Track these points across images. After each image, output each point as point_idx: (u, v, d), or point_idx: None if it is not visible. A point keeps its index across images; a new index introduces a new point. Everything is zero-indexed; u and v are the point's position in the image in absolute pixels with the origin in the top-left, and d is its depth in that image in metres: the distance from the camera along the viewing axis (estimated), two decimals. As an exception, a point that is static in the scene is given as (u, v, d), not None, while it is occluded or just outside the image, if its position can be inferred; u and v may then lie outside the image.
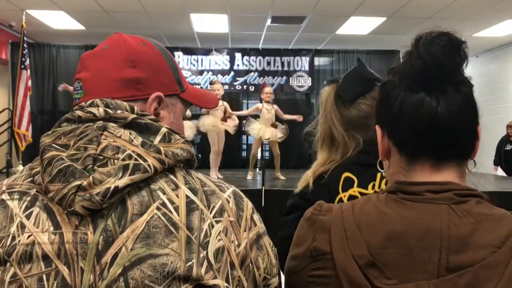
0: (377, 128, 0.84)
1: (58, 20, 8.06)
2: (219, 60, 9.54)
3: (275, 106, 7.08)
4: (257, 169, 7.46)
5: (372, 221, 0.74)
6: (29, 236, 0.66)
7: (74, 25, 8.33)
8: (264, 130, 6.82)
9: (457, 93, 0.75)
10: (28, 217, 0.67)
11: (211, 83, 7.47)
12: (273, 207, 5.11)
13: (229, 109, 7.01)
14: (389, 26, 8.18)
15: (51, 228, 0.66)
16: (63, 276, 0.64)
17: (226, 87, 9.22)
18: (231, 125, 6.89)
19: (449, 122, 0.74)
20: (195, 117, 6.95)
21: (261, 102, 7.10)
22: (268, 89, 7.06)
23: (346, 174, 1.33)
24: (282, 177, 7.05)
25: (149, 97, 0.82)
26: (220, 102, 6.73)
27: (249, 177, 7.17)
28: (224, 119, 6.80)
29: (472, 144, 0.78)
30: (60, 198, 0.67)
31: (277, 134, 6.89)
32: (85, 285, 0.64)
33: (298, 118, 7.10)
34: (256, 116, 7.10)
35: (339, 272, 0.72)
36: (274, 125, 6.95)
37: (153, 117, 0.78)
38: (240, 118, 7.46)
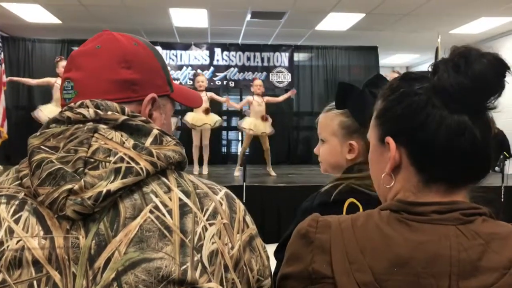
0: (390, 140, 0.76)
1: (34, 14, 7.86)
2: (199, 55, 9.47)
3: (266, 98, 7.10)
4: (238, 165, 7.43)
5: (376, 245, 0.70)
6: (18, 241, 0.64)
7: (50, 19, 8.15)
8: (255, 124, 6.85)
9: (488, 118, 0.71)
10: (16, 221, 0.66)
11: (195, 75, 7.50)
12: (255, 203, 5.12)
13: (215, 97, 7.11)
14: (368, 22, 8.23)
15: (41, 233, 0.65)
16: (54, 282, 0.63)
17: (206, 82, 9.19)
18: (214, 120, 6.95)
19: (483, 149, 0.70)
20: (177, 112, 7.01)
21: (252, 95, 7.13)
22: (258, 82, 7.14)
23: (351, 200, 1.21)
24: (274, 173, 7.08)
25: (144, 99, 0.81)
26: (204, 94, 6.82)
27: (237, 173, 7.08)
28: (207, 111, 6.82)
29: (491, 165, 0.74)
30: (51, 202, 0.65)
31: (267, 127, 6.94)
32: None
33: (292, 92, 7.44)
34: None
35: None
36: (264, 118, 6.97)
37: (144, 118, 0.77)
38: (228, 113, 7.54)
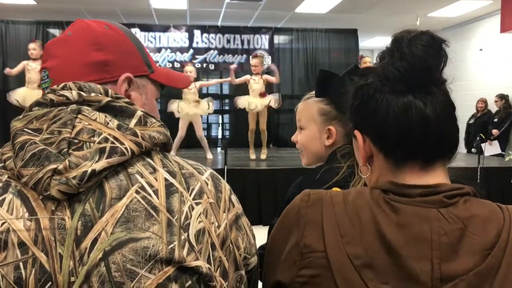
0: (357, 133, 0.80)
1: (7, -6, 7.68)
2: (178, 38, 9.37)
3: (265, 76, 6.85)
4: (219, 148, 7.39)
5: (363, 223, 0.71)
6: (2, 224, 0.64)
7: (24, -1, 7.96)
8: (249, 102, 6.68)
9: (440, 93, 0.74)
10: (0, 204, 0.65)
11: (183, 66, 7.29)
12: (236, 186, 5.13)
13: (204, 84, 6.93)
14: (348, 4, 8.24)
15: (26, 215, 0.65)
16: (41, 263, 0.63)
17: (185, 65, 9.11)
18: (205, 108, 6.83)
19: (438, 123, 0.73)
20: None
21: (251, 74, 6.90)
22: (253, 61, 6.80)
23: (335, 189, 1.18)
24: (264, 156, 6.95)
25: (119, 79, 0.81)
26: (193, 85, 6.67)
27: (253, 156, 6.94)
28: (197, 102, 6.73)
29: (457, 138, 0.77)
30: (35, 182, 0.65)
31: (267, 102, 6.71)
32: (65, 271, 0.63)
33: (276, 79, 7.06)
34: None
35: (334, 271, 0.69)
36: (262, 95, 6.74)
37: (128, 100, 0.77)
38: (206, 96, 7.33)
